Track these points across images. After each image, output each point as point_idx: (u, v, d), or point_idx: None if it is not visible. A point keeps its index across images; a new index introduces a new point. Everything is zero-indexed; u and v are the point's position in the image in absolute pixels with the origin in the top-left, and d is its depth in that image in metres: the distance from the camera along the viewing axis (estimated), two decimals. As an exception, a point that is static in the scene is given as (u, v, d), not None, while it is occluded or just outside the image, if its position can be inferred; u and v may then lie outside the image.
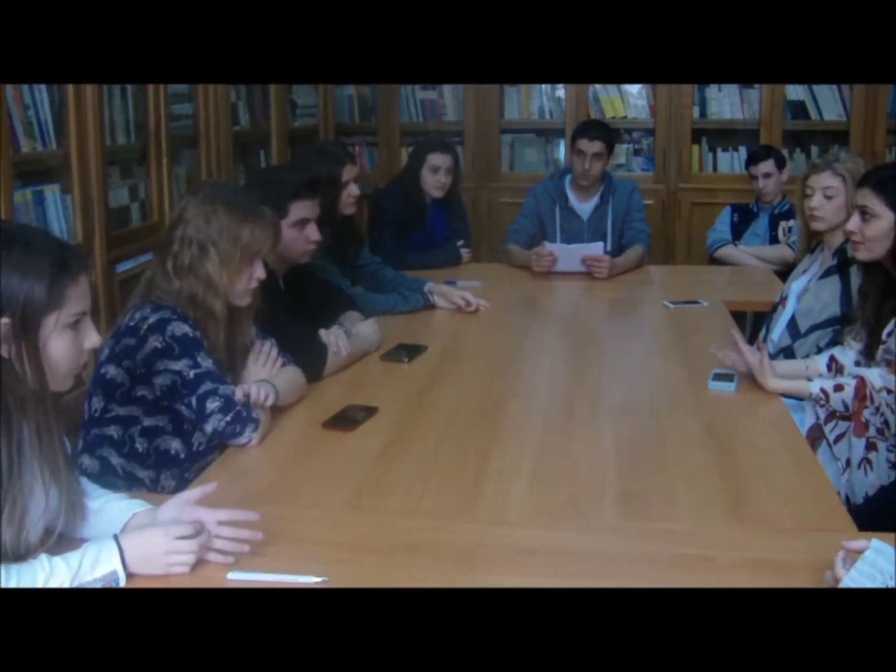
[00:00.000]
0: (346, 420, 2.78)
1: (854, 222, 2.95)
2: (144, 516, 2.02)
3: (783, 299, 3.72)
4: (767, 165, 5.36)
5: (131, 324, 2.60)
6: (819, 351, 3.34)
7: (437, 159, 4.97)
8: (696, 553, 2.01)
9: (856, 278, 3.21)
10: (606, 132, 5.16)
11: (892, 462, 2.80)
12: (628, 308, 4.52)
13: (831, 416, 2.88)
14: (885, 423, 2.77)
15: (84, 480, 2.12)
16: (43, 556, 1.78)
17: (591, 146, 4.99)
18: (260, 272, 2.70)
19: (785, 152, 6.48)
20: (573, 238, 5.07)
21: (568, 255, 4.82)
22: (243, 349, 2.80)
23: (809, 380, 2.97)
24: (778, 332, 3.65)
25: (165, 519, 1.98)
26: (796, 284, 3.69)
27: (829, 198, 3.60)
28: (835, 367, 3.10)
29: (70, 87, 3.67)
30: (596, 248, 4.82)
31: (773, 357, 3.43)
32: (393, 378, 3.24)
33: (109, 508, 2.04)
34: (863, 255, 2.98)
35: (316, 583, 1.84)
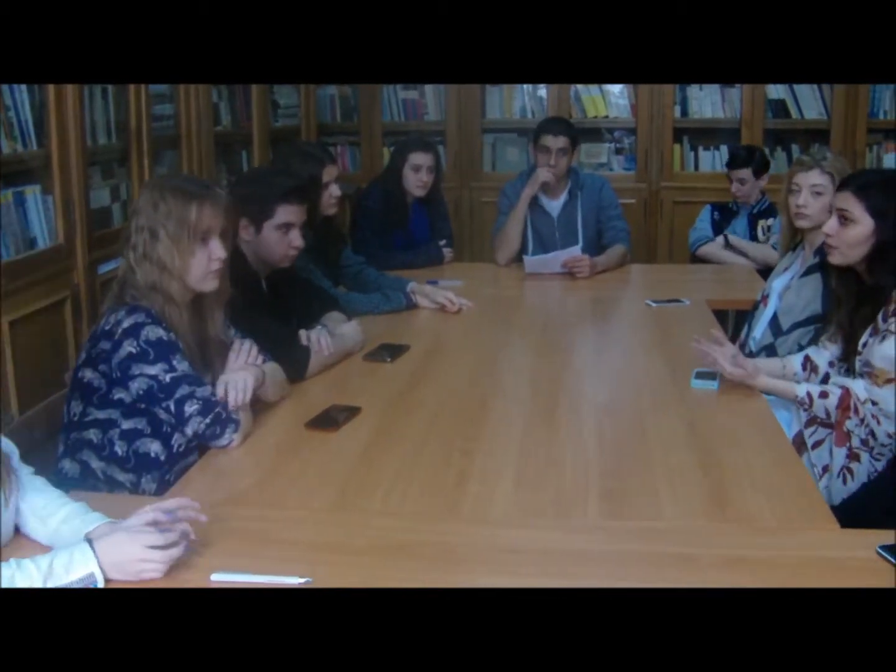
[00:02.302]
0: (328, 420, 2.77)
1: (832, 225, 2.93)
2: (104, 529, 1.97)
3: (765, 297, 3.73)
4: (744, 173, 5.33)
5: (106, 328, 2.59)
6: (801, 349, 3.35)
7: (418, 158, 4.98)
8: (679, 551, 2.02)
9: (833, 277, 3.21)
10: (569, 127, 5.14)
11: (877, 470, 2.81)
12: (610, 307, 4.53)
13: (812, 420, 2.89)
14: (871, 433, 2.78)
15: (41, 484, 2.11)
16: (11, 560, 1.77)
17: (556, 141, 4.97)
18: (218, 252, 2.65)
19: (766, 151, 6.51)
20: (545, 237, 5.08)
21: (546, 262, 4.84)
22: (219, 345, 2.77)
23: (797, 382, 2.98)
24: (760, 329, 3.66)
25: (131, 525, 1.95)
26: (778, 282, 3.70)
27: (816, 195, 3.60)
28: (809, 366, 3.12)
29: (50, 88, 3.66)
30: (573, 251, 4.83)
31: (754, 355, 3.45)
32: (376, 378, 3.23)
33: (63, 532, 1.99)
34: (837, 259, 2.96)
35: (300, 583, 1.83)
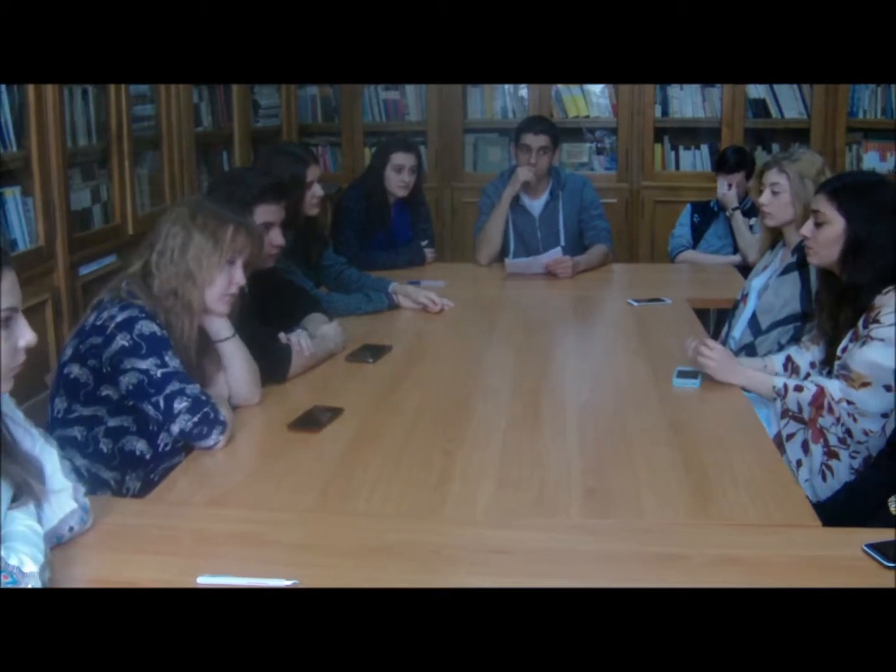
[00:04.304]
0: (311, 421, 2.77)
1: (808, 227, 3.01)
2: None
3: (744, 296, 3.75)
4: (737, 177, 5.32)
5: (98, 322, 2.59)
6: (780, 347, 3.38)
7: (400, 158, 4.98)
8: (662, 550, 2.02)
9: (815, 275, 3.25)
10: (550, 126, 5.15)
11: (856, 469, 2.85)
12: (592, 306, 4.53)
13: (784, 413, 2.92)
14: (848, 432, 2.81)
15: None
16: None
17: (537, 140, 4.98)
18: (240, 277, 2.72)
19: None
20: (527, 236, 5.09)
21: (528, 266, 4.85)
22: (214, 356, 2.80)
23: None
24: (739, 329, 3.68)
25: None
26: (757, 281, 3.72)
27: (775, 194, 3.65)
28: (791, 366, 3.15)
29: (30, 89, 3.65)
30: (555, 254, 4.84)
31: (735, 354, 3.46)
32: (358, 379, 3.23)
33: None
34: (815, 260, 3.04)
35: (286, 586, 1.83)
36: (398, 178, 5.00)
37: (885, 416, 2.80)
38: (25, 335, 1.81)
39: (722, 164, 5.42)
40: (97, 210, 4.32)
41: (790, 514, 2.19)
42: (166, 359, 2.56)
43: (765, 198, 3.67)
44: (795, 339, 3.32)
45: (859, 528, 2.11)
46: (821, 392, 2.85)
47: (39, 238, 3.75)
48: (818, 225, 2.96)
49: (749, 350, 3.56)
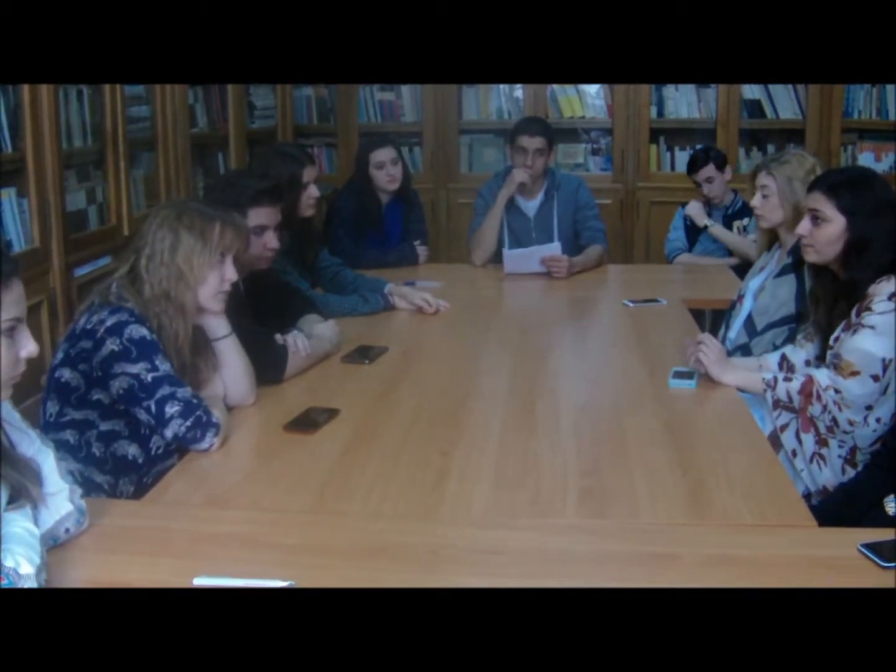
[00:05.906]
0: (307, 422, 2.77)
1: (805, 226, 3.00)
2: None
3: (740, 297, 3.75)
4: (708, 170, 5.34)
5: (88, 327, 2.58)
6: (775, 348, 3.38)
7: (379, 155, 5.04)
8: (659, 550, 2.02)
9: (809, 272, 3.26)
10: (546, 128, 5.14)
11: (845, 458, 2.87)
12: (588, 307, 4.54)
13: (776, 404, 2.93)
14: (834, 420, 2.83)
15: None
16: None
17: (533, 142, 4.98)
18: (231, 273, 2.71)
19: (742, 151, 6.56)
20: (522, 237, 5.09)
21: (526, 258, 4.84)
22: (209, 356, 2.80)
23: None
24: (735, 329, 3.69)
25: None
26: (753, 282, 3.73)
27: (764, 196, 3.66)
28: (786, 365, 3.16)
29: (25, 90, 3.64)
30: (553, 249, 4.84)
31: (730, 354, 3.47)
32: (354, 380, 3.23)
33: None
34: (812, 257, 3.03)
35: (283, 586, 1.83)
36: (383, 174, 5.06)
37: (868, 407, 2.83)
38: (27, 346, 1.79)
39: (692, 165, 5.44)
40: (93, 211, 4.32)
41: (785, 513, 2.20)
42: (156, 363, 2.55)
43: (755, 200, 3.69)
44: (790, 340, 3.33)
45: (854, 528, 2.12)
46: (809, 380, 2.88)
47: (35, 239, 3.75)
48: (816, 223, 2.96)
49: (744, 350, 3.56)
